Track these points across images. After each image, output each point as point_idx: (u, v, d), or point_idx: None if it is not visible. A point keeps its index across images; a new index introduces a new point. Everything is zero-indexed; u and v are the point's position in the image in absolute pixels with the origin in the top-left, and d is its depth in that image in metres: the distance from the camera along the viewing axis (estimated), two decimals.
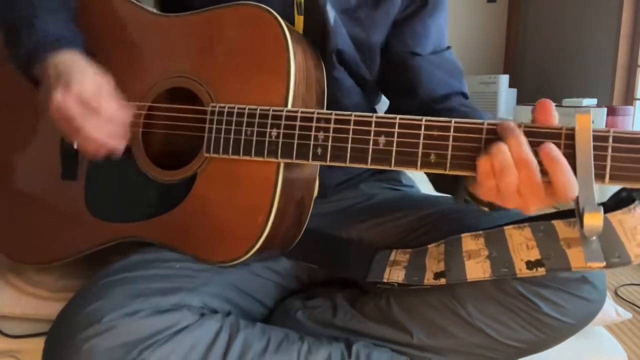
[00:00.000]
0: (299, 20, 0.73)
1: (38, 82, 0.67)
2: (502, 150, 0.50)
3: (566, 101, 2.69)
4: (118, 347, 0.56)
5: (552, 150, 0.49)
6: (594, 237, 0.50)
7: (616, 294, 1.74)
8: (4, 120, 0.82)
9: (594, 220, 0.47)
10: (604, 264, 0.50)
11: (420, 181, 0.95)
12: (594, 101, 2.74)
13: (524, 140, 0.50)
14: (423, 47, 0.80)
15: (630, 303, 1.67)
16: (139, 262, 0.66)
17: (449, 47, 0.84)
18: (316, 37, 0.72)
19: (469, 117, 0.71)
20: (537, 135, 0.52)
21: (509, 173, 0.50)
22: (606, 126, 2.60)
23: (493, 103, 3.51)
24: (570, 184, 0.49)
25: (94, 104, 0.62)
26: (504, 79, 3.56)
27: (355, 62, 0.78)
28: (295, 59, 0.63)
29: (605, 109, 2.60)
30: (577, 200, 0.49)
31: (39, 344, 0.62)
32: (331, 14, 0.72)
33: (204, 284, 0.66)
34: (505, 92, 3.55)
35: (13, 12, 0.68)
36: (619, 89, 3.13)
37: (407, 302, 0.69)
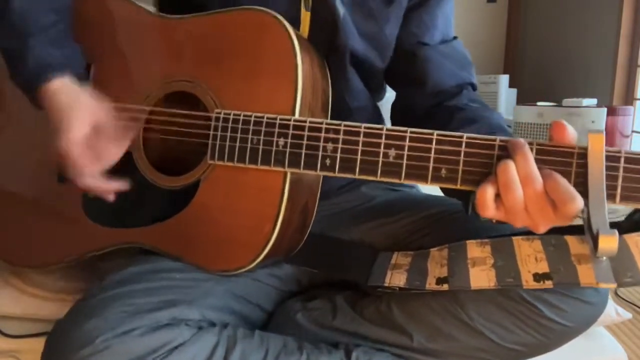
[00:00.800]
0: (306, 16, 0.71)
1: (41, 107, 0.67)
2: (509, 166, 0.50)
3: (566, 101, 2.69)
4: None
5: (546, 171, 0.50)
6: (604, 258, 0.50)
7: (616, 294, 1.73)
8: (0, 124, 0.81)
9: (608, 243, 0.47)
10: (615, 284, 0.50)
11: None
12: (594, 101, 2.74)
13: (530, 157, 0.51)
14: (431, 37, 0.79)
15: (630, 303, 1.67)
16: (137, 274, 0.65)
17: (456, 37, 0.83)
18: (324, 34, 0.71)
19: (479, 115, 0.71)
20: (549, 154, 0.52)
21: (514, 189, 0.50)
22: (606, 126, 2.60)
23: (493, 103, 3.51)
24: (570, 194, 0.49)
25: (79, 164, 0.64)
26: (504, 79, 3.57)
27: (368, 60, 0.77)
28: (303, 66, 0.62)
29: (605, 109, 2.60)
30: (588, 221, 0.49)
31: (39, 344, 0.61)
32: (341, 10, 0.70)
33: (203, 295, 0.65)
34: (505, 92, 3.55)
35: (5, 38, 0.66)
36: (619, 89, 3.13)
37: (408, 305, 0.68)
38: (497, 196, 0.52)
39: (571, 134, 0.52)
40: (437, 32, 0.79)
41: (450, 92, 0.78)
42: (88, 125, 0.64)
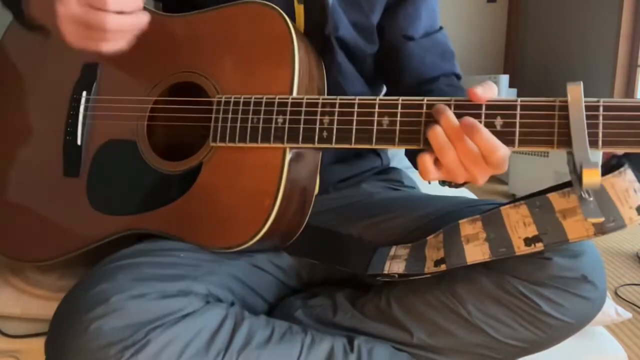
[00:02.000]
0: (299, 9, 0.75)
1: (43, 28, 0.68)
2: (437, 131, 0.56)
3: None
4: (125, 327, 0.55)
5: (468, 120, 0.55)
6: (591, 198, 0.53)
7: (616, 294, 1.74)
8: (5, 119, 0.82)
9: (591, 175, 0.50)
10: (603, 219, 0.53)
11: (422, 182, 0.95)
12: None
13: (452, 118, 0.56)
14: (415, 30, 0.82)
15: (630, 303, 1.67)
16: (144, 250, 0.66)
17: (441, 28, 0.86)
18: (316, 24, 0.74)
19: (443, 92, 0.76)
20: (532, 108, 0.55)
21: (447, 149, 0.56)
22: None
23: None
24: (493, 145, 0.54)
25: (95, 2, 0.59)
26: (504, 79, 3.56)
27: (357, 46, 0.79)
28: (300, 52, 0.66)
29: None
30: (573, 166, 0.52)
31: (39, 344, 0.62)
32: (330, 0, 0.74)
33: (208, 274, 0.66)
34: (505, 92, 3.54)
35: None
36: (619, 89, 3.13)
37: (407, 301, 0.69)
38: (436, 160, 0.57)
39: (481, 92, 0.56)
40: (421, 25, 0.82)
41: (429, 80, 0.82)
42: None
